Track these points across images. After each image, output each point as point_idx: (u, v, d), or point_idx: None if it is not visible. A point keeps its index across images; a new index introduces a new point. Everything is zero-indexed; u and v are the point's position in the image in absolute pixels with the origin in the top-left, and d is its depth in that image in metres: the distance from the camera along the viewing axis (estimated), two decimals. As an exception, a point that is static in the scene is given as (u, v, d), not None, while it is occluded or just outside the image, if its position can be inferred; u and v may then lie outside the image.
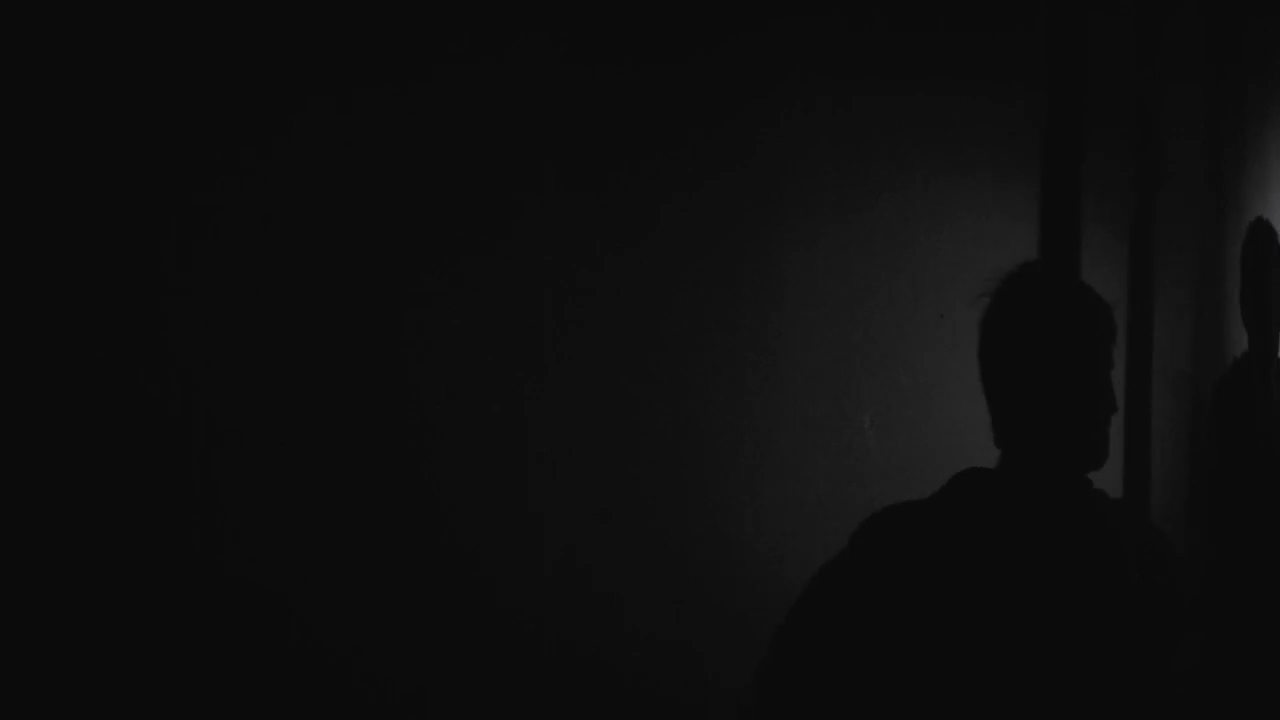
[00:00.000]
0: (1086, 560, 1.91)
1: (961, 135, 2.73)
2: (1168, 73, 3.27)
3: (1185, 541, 3.39)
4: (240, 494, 1.67)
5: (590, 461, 2.07)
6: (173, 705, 1.61)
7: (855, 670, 1.88)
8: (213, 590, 1.65)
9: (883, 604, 1.88)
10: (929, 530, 1.91)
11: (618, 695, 2.11)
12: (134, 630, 1.58)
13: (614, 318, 2.11)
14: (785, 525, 2.36)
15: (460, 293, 1.89)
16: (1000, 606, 1.85)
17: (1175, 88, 3.33)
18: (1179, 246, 3.44)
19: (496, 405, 1.94)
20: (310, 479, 1.74)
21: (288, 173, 1.71)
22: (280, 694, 1.71)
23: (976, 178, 2.75)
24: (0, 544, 1.49)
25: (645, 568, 2.15)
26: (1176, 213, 3.38)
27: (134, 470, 1.59)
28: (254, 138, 1.68)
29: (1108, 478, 2.12)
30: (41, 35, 1.50)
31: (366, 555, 1.80)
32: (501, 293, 1.94)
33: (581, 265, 2.05)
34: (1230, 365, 3.50)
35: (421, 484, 1.86)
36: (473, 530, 1.91)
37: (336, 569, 1.77)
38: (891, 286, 2.57)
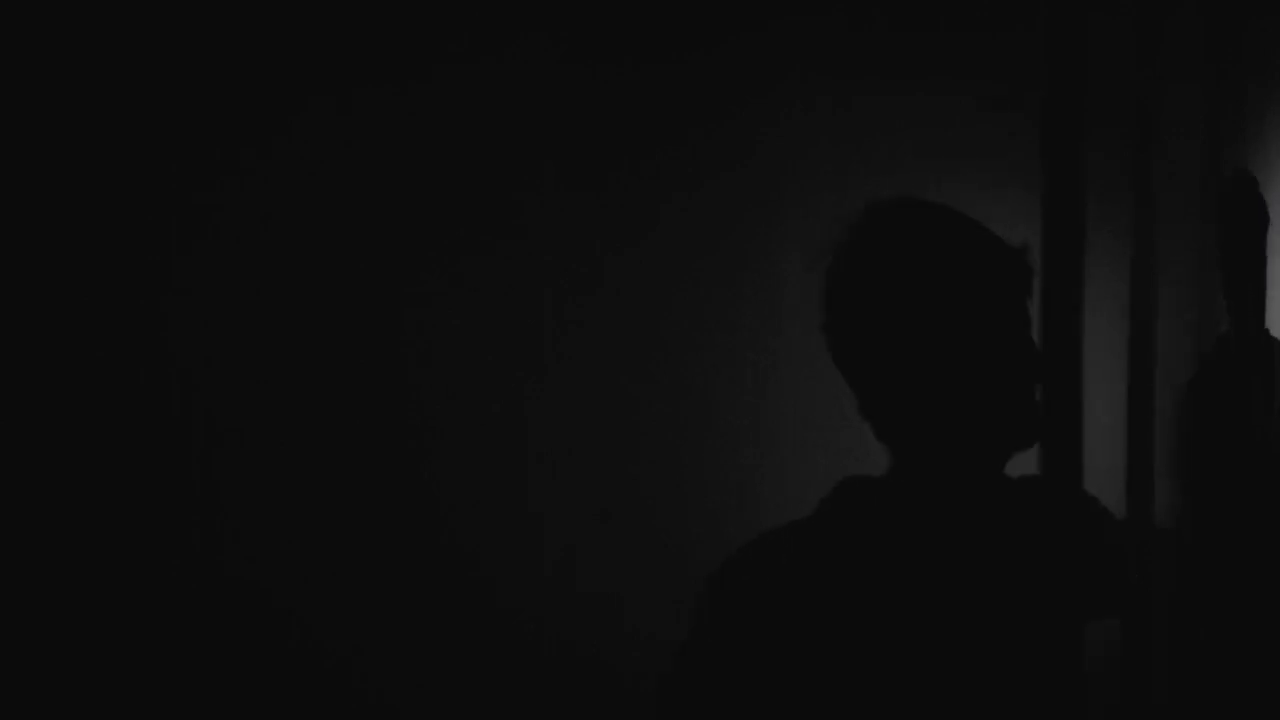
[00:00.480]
0: (1002, 580, 1.48)
1: (961, 135, 2.73)
2: (1168, 73, 3.26)
3: (1181, 541, 3.38)
4: (240, 494, 1.67)
5: (590, 461, 2.07)
6: (173, 705, 1.61)
7: None
8: (213, 590, 1.65)
9: (758, 677, 1.47)
10: (795, 574, 1.48)
11: (618, 695, 2.10)
12: (134, 629, 1.58)
13: (614, 318, 2.11)
14: (785, 525, 2.35)
15: (460, 293, 1.89)
16: (899, 658, 1.43)
17: (1175, 88, 3.33)
18: (1180, 246, 3.43)
19: (496, 405, 1.94)
20: (310, 479, 1.74)
21: (288, 173, 1.71)
22: (280, 693, 1.71)
23: (976, 178, 2.75)
24: (1, 543, 1.48)
25: (645, 568, 2.15)
26: (1177, 213, 3.38)
27: (134, 470, 1.59)
28: (254, 138, 1.67)
29: (1102, 486, 2.11)
30: (42, 36, 1.50)
31: (366, 555, 1.79)
32: (501, 293, 1.94)
33: (581, 265, 2.05)
34: (1213, 345, 3.34)
35: (421, 484, 1.85)
36: (473, 530, 1.91)
37: (336, 569, 1.76)
38: (891, 286, 2.56)
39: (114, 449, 1.57)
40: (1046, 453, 2.16)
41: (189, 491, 1.63)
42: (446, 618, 1.88)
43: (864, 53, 2.54)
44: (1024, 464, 1.90)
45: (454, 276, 1.88)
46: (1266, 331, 3.25)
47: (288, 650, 1.72)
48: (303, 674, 1.73)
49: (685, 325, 2.22)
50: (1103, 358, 2.46)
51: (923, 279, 1.47)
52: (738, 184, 2.30)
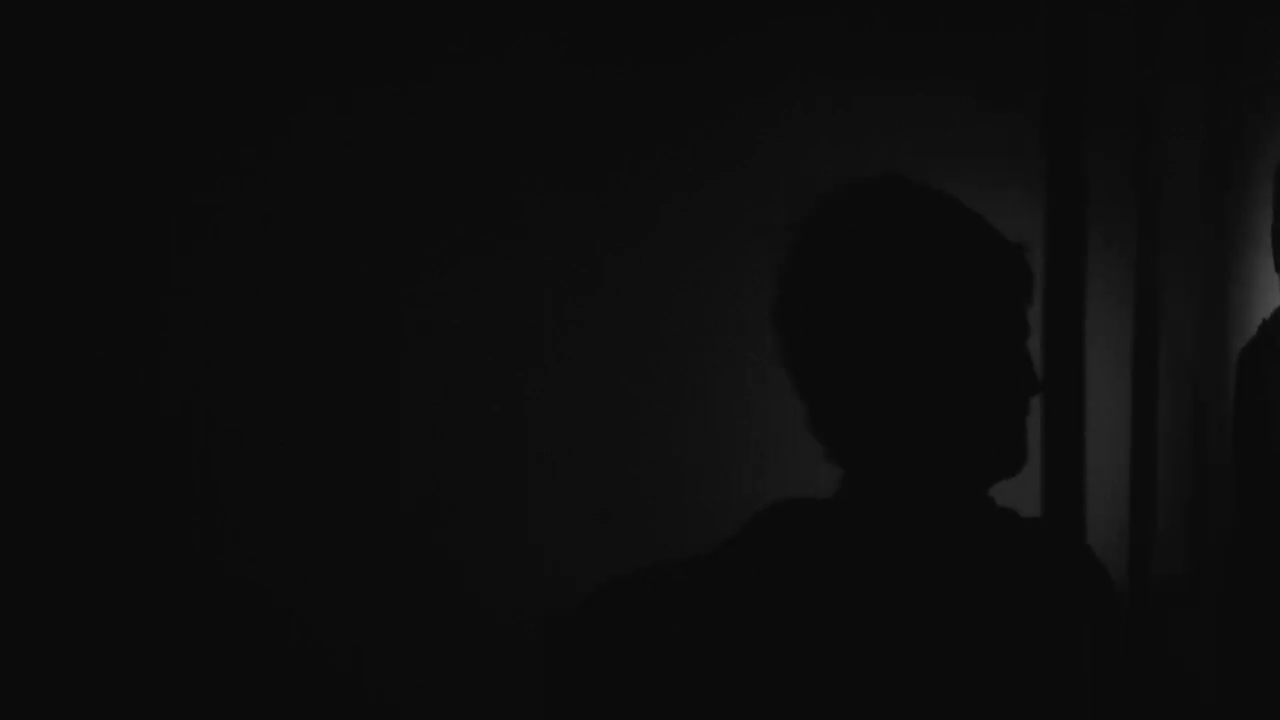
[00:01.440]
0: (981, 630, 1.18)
1: (961, 135, 2.73)
2: (1168, 73, 3.27)
3: (1189, 543, 3.38)
4: (240, 494, 1.67)
5: (590, 461, 2.07)
6: (173, 704, 1.61)
7: None
8: (213, 590, 1.65)
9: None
10: (678, 624, 1.23)
11: (618, 695, 2.10)
12: (134, 629, 1.58)
13: (614, 318, 2.11)
14: (785, 525, 2.35)
15: (460, 293, 1.89)
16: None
17: (1175, 88, 3.33)
18: (1180, 247, 3.43)
19: (496, 405, 1.94)
20: (310, 479, 1.74)
21: (288, 173, 1.71)
22: (280, 693, 1.71)
23: (976, 178, 2.75)
24: (1, 543, 1.49)
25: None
26: (1177, 212, 3.38)
27: (134, 470, 1.59)
28: (254, 138, 1.67)
29: (1105, 489, 2.10)
30: (43, 36, 1.50)
31: (366, 555, 1.79)
32: (501, 293, 1.94)
33: (581, 265, 2.05)
34: (1258, 328, 3.28)
35: (421, 483, 1.85)
36: (473, 530, 1.91)
37: (336, 569, 1.77)
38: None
39: (114, 449, 1.57)
40: (1048, 452, 2.16)
41: (189, 491, 1.63)
42: (446, 617, 1.88)
43: (864, 53, 2.54)
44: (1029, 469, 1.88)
45: (454, 276, 1.88)
46: None
47: (288, 650, 1.72)
48: (303, 674, 1.73)
49: (685, 325, 2.22)
50: (1105, 355, 2.45)
51: (900, 271, 1.17)
52: (738, 184, 2.30)
